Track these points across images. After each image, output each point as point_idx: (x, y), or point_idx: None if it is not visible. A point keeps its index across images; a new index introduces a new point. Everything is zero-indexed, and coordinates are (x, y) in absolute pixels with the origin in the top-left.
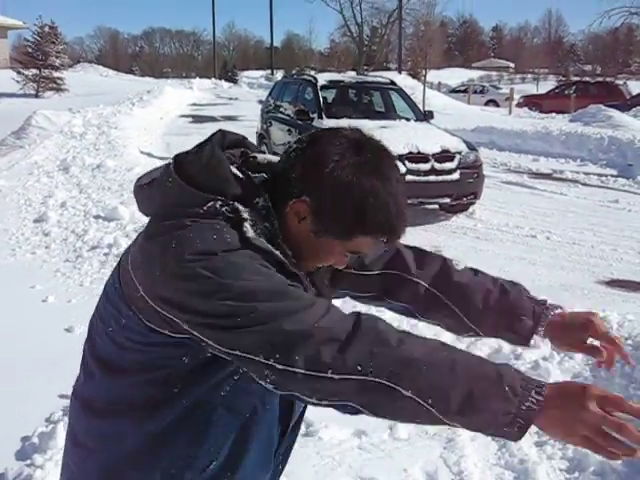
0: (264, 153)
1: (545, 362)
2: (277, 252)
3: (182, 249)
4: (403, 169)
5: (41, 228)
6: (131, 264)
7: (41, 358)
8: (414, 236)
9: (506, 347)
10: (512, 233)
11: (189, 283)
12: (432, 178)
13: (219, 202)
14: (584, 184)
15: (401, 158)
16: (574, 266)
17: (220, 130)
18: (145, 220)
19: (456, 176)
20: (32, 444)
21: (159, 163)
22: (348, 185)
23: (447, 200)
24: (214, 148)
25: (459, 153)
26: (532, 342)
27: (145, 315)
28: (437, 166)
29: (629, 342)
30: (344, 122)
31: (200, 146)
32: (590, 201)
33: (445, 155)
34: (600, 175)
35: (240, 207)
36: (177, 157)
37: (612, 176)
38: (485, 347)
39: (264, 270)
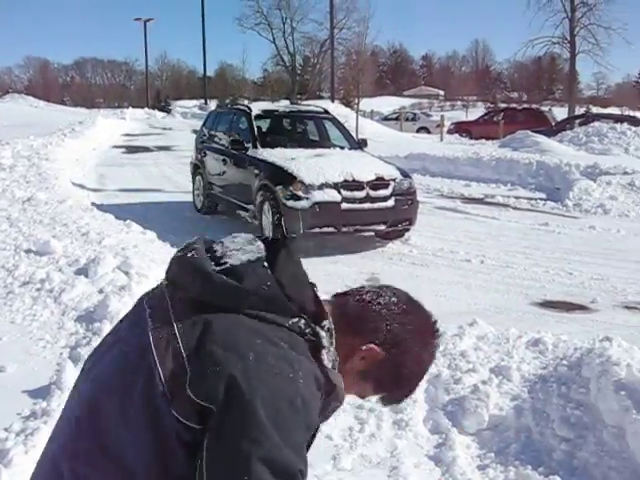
0: None
1: (484, 386)
2: (342, 385)
3: (266, 367)
4: (338, 197)
5: None
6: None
7: None
8: (351, 263)
9: (445, 372)
10: (447, 258)
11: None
12: (367, 205)
13: (303, 321)
14: (515, 208)
15: (336, 186)
16: (508, 289)
17: (286, 238)
18: (78, 254)
19: (391, 203)
20: None
21: (92, 195)
22: (424, 363)
23: (382, 227)
24: (299, 259)
25: (393, 180)
26: (470, 365)
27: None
28: (372, 193)
29: (564, 362)
30: (278, 151)
31: (279, 252)
32: (521, 224)
33: (379, 182)
34: (530, 199)
35: (321, 333)
36: (268, 259)
37: (541, 199)
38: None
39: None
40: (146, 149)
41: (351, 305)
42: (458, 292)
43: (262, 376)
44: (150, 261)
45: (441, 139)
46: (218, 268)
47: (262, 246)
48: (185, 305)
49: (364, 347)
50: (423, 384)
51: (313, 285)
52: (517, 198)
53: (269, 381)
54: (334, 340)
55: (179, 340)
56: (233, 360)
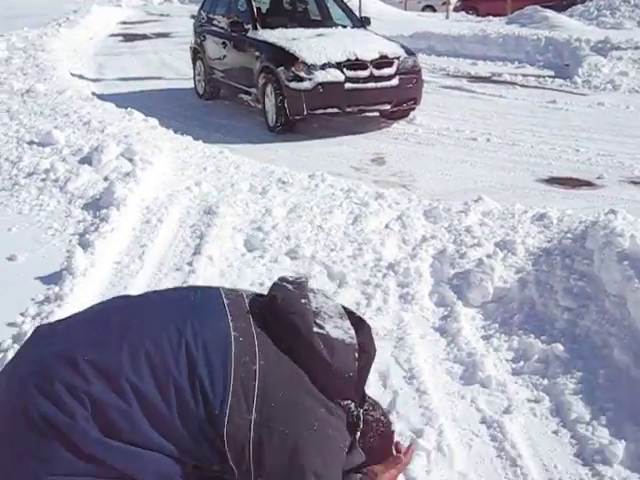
0: None
1: (489, 259)
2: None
3: (326, 436)
4: (342, 77)
5: None
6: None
7: None
8: (356, 144)
9: (451, 247)
10: (453, 137)
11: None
12: (371, 85)
13: (354, 404)
14: (522, 86)
15: (339, 66)
16: (514, 166)
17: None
18: (81, 143)
19: (395, 82)
20: None
21: (92, 85)
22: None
23: (387, 107)
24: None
25: (397, 58)
26: (475, 240)
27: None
28: (376, 72)
29: (569, 235)
30: (279, 32)
31: (367, 343)
32: (529, 102)
33: (383, 61)
34: (538, 76)
35: (362, 417)
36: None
37: (549, 77)
38: (430, 249)
39: None
40: (144, 37)
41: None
42: (464, 170)
43: (321, 444)
44: (154, 147)
45: (447, 17)
46: (316, 329)
47: (353, 333)
48: (267, 331)
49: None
50: (428, 259)
51: None
52: (525, 76)
53: (326, 450)
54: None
55: (257, 383)
56: (301, 427)
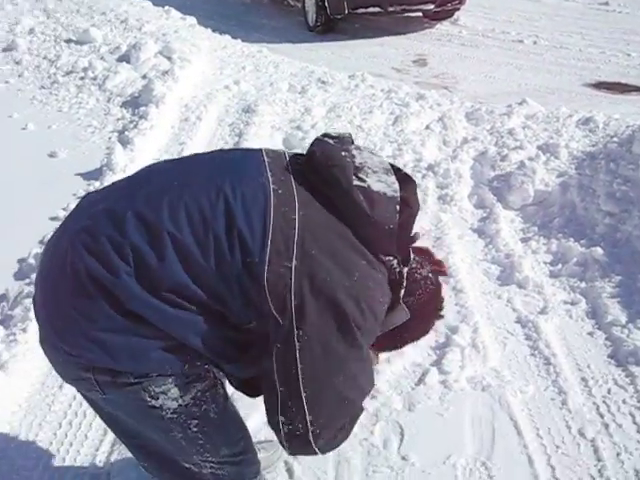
0: None
1: (531, 162)
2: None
3: (366, 288)
4: None
5: (11, 57)
6: (301, 234)
7: (28, 184)
8: (398, 45)
9: (492, 149)
10: (498, 39)
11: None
12: None
13: (396, 261)
14: None
15: None
16: (561, 70)
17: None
18: (119, 41)
19: None
20: (29, 265)
21: None
22: (418, 332)
23: (431, 6)
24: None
25: None
26: (517, 143)
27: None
28: None
29: (614, 139)
30: None
31: (409, 202)
32: (579, 4)
33: None
34: None
35: (404, 274)
36: (402, 194)
37: None
38: (471, 150)
39: None
40: None
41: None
42: (508, 73)
43: (361, 295)
44: (192, 46)
45: None
46: (357, 182)
47: (397, 186)
48: (307, 185)
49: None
50: (469, 160)
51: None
52: None
53: (365, 302)
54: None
55: (296, 231)
56: (341, 276)
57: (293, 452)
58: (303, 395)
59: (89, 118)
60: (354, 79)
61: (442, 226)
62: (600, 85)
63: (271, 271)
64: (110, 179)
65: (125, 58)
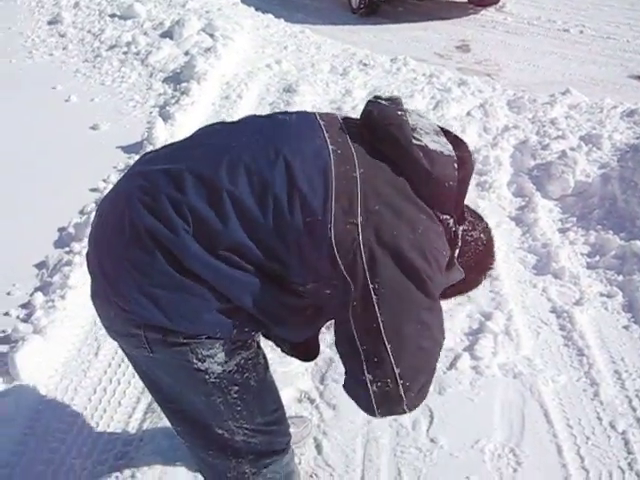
0: None
1: (572, 152)
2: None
3: (430, 241)
4: None
5: (56, 29)
6: (366, 191)
7: (70, 155)
8: (441, 30)
9: (533, 138)
10: (544, 27)
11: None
12: None
13: (452, 220)
14: None
15: None
16: (607, 61)
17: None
18: (162, 17)
19: None
20: (69, 234)
21: None
22: (468, 287)
23: None
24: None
25: None
26: (559, 132)
27: (338, 238)
28: None
29: None
30: None
31: (466, 161)
32: None
33: None
34: None
35: (459, 233)
36: (459, 155)
37: None
38: (512, 138)
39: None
40: None
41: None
42: (553, 62)
43: (426, 247)
44: (235, 24)
45: None
46: (415, 141)
47: (451, 147)
48: (364, 145)
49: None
50: (509, 148)
51: None
52: None
53: (430, 254)
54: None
55: (359, 188)
56: (405, 230)
57: (382, 412)
58: (388, 347)
59: (131, 92)
60: (396, 62)
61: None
62: None
63: (337, 229)
64: None
65: (168, 34)
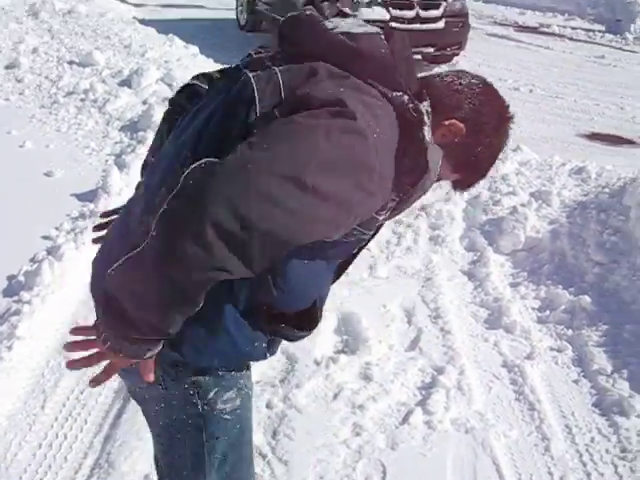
0: None
1: (523, 208)
2: (437, 167)
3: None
4: (387, 16)
5: (13, 74)
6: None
7: (22, 201)
8: None
9: (485, 193)
10: (495, 85)
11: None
12: (416, 26)
13: (407, 96)
14: (571, 39)
15: (385, 4)
16: (556, 119)
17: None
18: (121, 66)
19: (441, 25)
20: (18, 282)
21: (134, 9)
22: (495, 146)
23: (431, 50)
24: (409, 42)
25: (445, 0)
26: (510, 188)
27: None
28: (422, 14)
29: (606, 190)
30: None
31: (391, 34)
32: (576, 56)
33: (431, 2)
34: (587, 30)
35: (423, 109)
36: (385, 30)
37: (600, 31)
38: (465, 193)
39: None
40: None
41: (433, 83)
42: None
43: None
44: (193, 74)
45: None
46: (331, 29)
47: (375, 29)
48: (290, 56)
49: (447, 122)
50: (461, 203)
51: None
52: (574, 29)
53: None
54: (430, 121)
55: (279, 78)
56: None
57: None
58: None
59: (87, 140)
60: None
61: (432, 267)
62: (594, 136)
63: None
64: (104, 201)
65: (127, 83)
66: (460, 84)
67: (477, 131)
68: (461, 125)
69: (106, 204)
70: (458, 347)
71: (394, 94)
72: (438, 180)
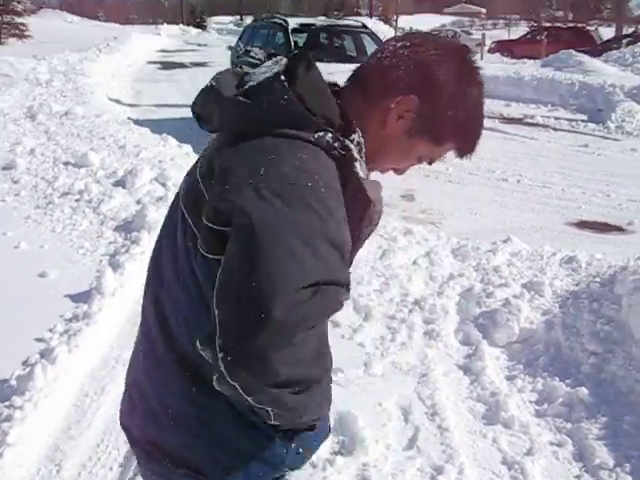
0: None
1: (516, 300)
2: (380, 201)
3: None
4: None
5: (10, 175)
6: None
7: (16, 303)
8: (386, 180)
9: (478, 286)
10: (484, 177)
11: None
12: None
13: (330, 134)
14: (555, 129)
15: None
16: (544, 208)
17: (304, 53)
18: (116, 166)
19: None
20: (10, 386)
21: (129, 110)
22: (461, 93)
23: None
24: (319, 71)
25: None
26: (502, 280)
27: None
28: None
29: (597, 279)
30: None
31: (297, 66)
32: (560, 145)
33: None
34: (571, 120)
35: (351, 145)
36: (287, 73)
37: (582, 121)
38: (457, 286)
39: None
40: (181, 65)
41: (362, 71)
42: (493, 210)
43: (272, 187)
44: None
45: (481, 58)
46: (236, 91)
47: (285, 61)
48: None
49: (392, 104)
50: (455, 296)
51: (337, 96)
52: (557, 119)
53: (283, 191)
54: (363, 154)
55: (197, 168)
56: (242, 175)
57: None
58: None
59: (81, 240)
60: None
61: (428, 362)
62: (582, 224)
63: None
64: (98, 303)
65: (121, 183)
66: (386, 57)
67: (431, 91)
68: (410, 96)
69: (100, 305)
70: (456, 445)
71: (316, 135)
72: (425, 161)
